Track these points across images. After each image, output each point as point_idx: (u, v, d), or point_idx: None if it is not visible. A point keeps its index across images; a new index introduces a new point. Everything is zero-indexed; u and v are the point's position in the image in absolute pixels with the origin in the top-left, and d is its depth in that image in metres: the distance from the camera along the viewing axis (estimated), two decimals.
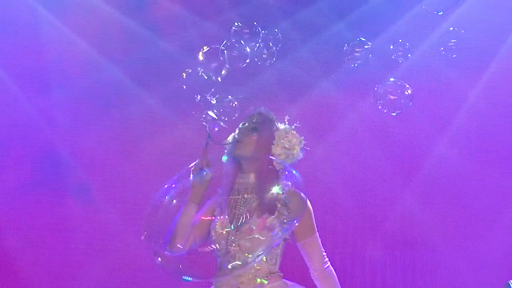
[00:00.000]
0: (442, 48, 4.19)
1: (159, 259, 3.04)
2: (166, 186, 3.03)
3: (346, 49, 3.92)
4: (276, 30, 3.52)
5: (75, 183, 5.61)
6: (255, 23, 3.37)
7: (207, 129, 3.03)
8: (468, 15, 5.55)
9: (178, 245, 3.12)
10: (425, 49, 5.56)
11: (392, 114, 3.51)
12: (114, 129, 5.63)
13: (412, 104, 3.55)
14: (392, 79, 3.63)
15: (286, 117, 3.30)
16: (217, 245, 3.09)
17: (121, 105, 5.65)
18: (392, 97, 3.52)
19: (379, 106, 3.55)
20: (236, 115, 3.09)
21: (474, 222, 5.63)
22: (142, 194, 5.51)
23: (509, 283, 4.37)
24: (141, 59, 5.55)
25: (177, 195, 3.13)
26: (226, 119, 3.01)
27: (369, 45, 3.92)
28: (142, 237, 3.02)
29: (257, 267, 3.05)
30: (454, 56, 4.23)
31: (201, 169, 3.08)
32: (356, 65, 3.89)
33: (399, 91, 3.57)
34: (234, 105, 3.06)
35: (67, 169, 5.62)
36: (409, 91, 3.53)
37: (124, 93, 5.64)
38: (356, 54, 3.89)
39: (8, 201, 5.58)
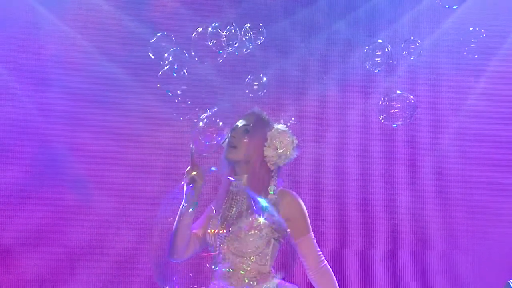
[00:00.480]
0: (466, 49, 4.16)
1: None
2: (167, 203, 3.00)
3: (366, 52, 3.84)
4: (261, 24, 3.48)
5: (72, 177, 5.63)
6: (233, 24, 3.30)
7: (191, 145, 2.99)
8: (469, 14, 5.55)
9: (178, 252, 3.09)
10: (426, 48, 5.56)
11: (393, 125, 3.45)
12: (112, 124, 5.65)
13: (414, 115, 3.49)
14: (398, 92, 3.55)
15: (281, 114, 3.25)
16: (210, 246, 3.07)
17: (119, 100, 5.67)
18: (395, 111, 3.45)
19: (382, 119, 3.48)
20: (221, 123, 3.05)
21: (474, 220, 5.64)
22: (140, 188, 5.54)
23: (509, 283, 4.36)
24: (139, 55, 5.55)
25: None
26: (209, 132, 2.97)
27: (389, 48, 3.84)
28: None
29: (247, 268, 3.03)
30: (476, 56, 4.20)
31: (192, 177, 3.03)
32: (377, 71, 3.81)
33: (402, 103, 3.49)
34: (215, 118, 3.01)
35: (65, 164, 5.64)
36: (412, 101, 3.46)
37: (122, 89, 5.66)
38: (377, 59, 3.82)
39: (7, 195, 5.61)
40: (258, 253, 3.03)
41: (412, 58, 4.04)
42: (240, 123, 3.14)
